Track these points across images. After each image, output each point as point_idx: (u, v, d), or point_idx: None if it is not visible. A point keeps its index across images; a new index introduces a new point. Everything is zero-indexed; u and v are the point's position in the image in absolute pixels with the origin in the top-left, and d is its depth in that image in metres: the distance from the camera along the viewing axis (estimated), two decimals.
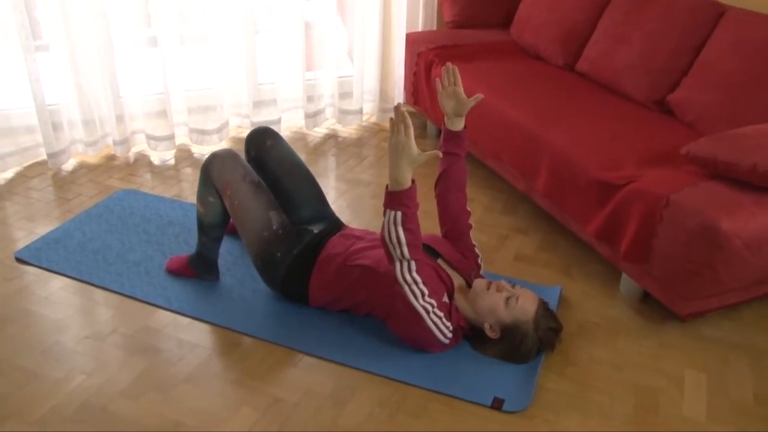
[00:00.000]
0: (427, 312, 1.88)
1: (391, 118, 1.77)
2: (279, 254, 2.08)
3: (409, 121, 1.75)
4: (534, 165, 2.54)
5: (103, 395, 1.83)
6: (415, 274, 1.85)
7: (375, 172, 3.13)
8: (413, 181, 1.81)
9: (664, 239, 2.00)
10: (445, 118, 2.10)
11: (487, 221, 2.73)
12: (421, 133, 3.54)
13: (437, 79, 2.07)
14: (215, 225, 2.18)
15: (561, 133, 2.47)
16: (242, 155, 2.24)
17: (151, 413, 1.78)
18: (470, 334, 2.03)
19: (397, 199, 1.79)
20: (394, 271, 1.85)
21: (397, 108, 1.75)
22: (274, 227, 2.08)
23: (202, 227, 2.20)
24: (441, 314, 1.90)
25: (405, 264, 1.84)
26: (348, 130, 3.59)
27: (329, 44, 3.36)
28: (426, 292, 1.87)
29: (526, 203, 2.84)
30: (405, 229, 1.80)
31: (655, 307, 2.21)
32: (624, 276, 2.27)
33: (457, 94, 2.03)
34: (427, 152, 1.78)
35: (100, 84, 2.95)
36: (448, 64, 2.06)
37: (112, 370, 1.91)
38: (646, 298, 2.24)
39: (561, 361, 1.99)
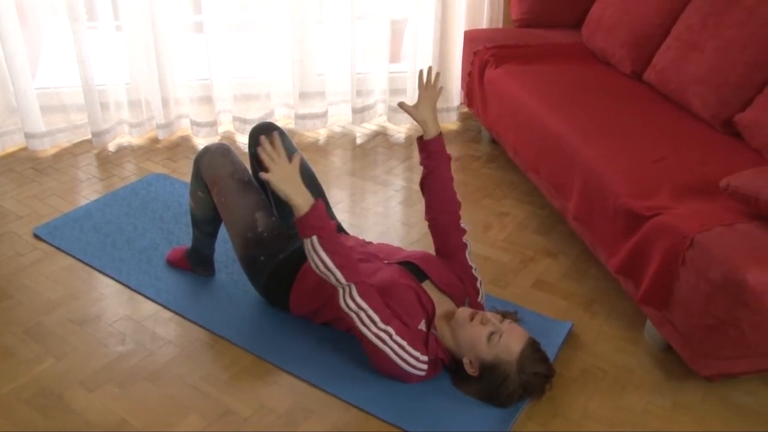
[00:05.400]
0: (383, 341, 1.71)
1: (259, 151, 1.63)
2: (262, 258, 1.98)
3: (279, 143, 1.65)
4: (567, 183, 2.28)
5: (63, 382, 1.82)
6: (359, 299, 1.69)
7: (410, 176, 2.97)
8: (318, 199, 1.67)
9: (686, 285, 1.71)
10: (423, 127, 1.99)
11: (515, 239, 2.50)
12: (475, 137, 3.33)
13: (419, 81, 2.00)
14: (206, 220, 2.11)
15: (599, 150, 2.19)
16: None
17: (102, 407, 1.74)
18: (452, 367, 1.84)
19: (306, 225, 1.65)
20: (337, 300, 1.71)
21: (263, 141, 1.64)
22: (259, 229, 1.98)
23: (194, 221, 2.14)
24: (403, 342, 1.73)
25: (346, 290, 1.69)
26: (399, 128, 3.43)
27: (380, 36, 3.21)
28: (377, 318, 1.70)
29: (564, 224, 2.57)
30: (328, 253, 1.65)
31: (680, 360, 1.90)
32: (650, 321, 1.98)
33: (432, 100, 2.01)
34: (293, 161, 1.67)
35: (146, 66, 2.97)
36: (430, 66, 1.90)
37: (81, 358, 1.90)
38: (671, 349, 1.94)
39: (548, 410, 1.76)
